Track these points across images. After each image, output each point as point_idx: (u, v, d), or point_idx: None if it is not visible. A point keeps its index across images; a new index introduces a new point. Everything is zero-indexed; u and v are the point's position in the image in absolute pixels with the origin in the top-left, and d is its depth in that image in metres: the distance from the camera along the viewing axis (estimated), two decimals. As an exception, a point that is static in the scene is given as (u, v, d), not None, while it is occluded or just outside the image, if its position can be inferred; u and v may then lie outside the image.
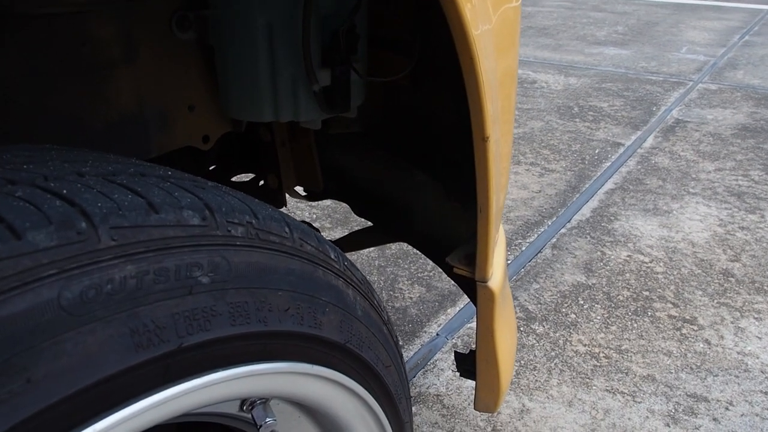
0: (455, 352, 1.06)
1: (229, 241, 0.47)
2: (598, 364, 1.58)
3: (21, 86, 0.80)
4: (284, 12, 0.91)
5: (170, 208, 0.44)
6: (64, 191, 0.41)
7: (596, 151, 2.87)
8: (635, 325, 1.73)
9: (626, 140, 2.99)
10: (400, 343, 1.65)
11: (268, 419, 0.54)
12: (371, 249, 2.07)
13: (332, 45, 0.96)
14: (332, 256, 0.60)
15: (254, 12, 0.91)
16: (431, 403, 1.45)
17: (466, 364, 1.04)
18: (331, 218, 2.28)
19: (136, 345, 0.39)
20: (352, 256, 2.03)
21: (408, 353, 1.61)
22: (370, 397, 0.62)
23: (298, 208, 2.34)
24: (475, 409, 1.01)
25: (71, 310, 0.37)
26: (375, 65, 1.08)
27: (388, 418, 0.66)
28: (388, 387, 0.65)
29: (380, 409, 0.64)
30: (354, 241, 1.51)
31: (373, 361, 0.62)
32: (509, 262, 2.02)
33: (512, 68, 0.91)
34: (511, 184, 2.55)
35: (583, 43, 4.91)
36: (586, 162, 2.76)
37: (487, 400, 0.98)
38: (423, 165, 1.29)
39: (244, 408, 0.55)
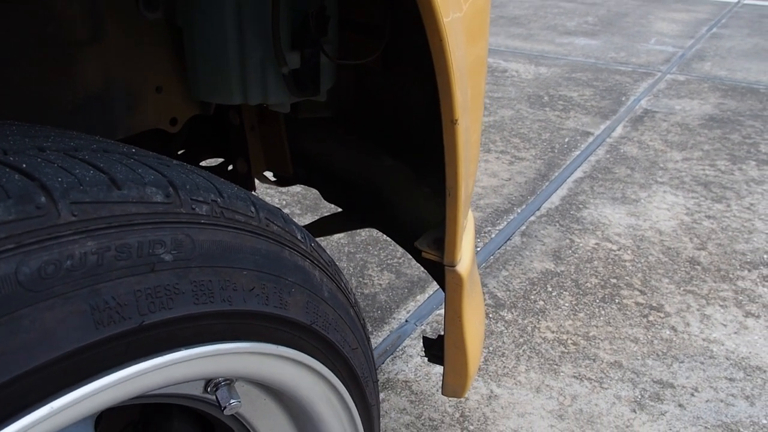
0: (424, 337, 1.07)
1: (193, 219, 0.46)
2: (566, 350, 1.61)
3: None
4: None
5: (133, 185, 0.43)
6: (24, 165, 0.40)
7: (566, 140, 2.90)
8: (603, 312, 1.76)
9: (595, 129, 3.04)
10: (369, 329, 1.66)
11: (232, 401, 0.53)
12: (341, 235, 2.07)
13: (302, 27, 0.95)
14: (299, 237, 0.59)
15: None
16: (399, 389, 1.45)
17: (434, 350, 1.05)
18: (301, 204, 2.27)
19: (96, 322, 0.38)
20: (321, 241, 2.03)
21: (377, 339, 1.62)
22: (337, 379, 0.62)
23: (267, 194, 2.32)
24: (442, 394, 1.02)
25: (29, 286, 0.36)
26: (346, 49, 1.07)
27: (354, 401, 0.66)
28: (355, 370, 0.65)
29: (347, 391, 0.64)
30: (323, 227, 1.51)
31: (340, 343, 0.62)
32: (479, 249, 2.04)
33: (482, 57, 0.92)
34: (481, 172, 2.57)
35: (554, 33, 4.95)
36: (556, 150, 2.79)
37: (454, 385, 0.99)
38: (393, 150, 1.29)
39: (209, 389, 0.54)
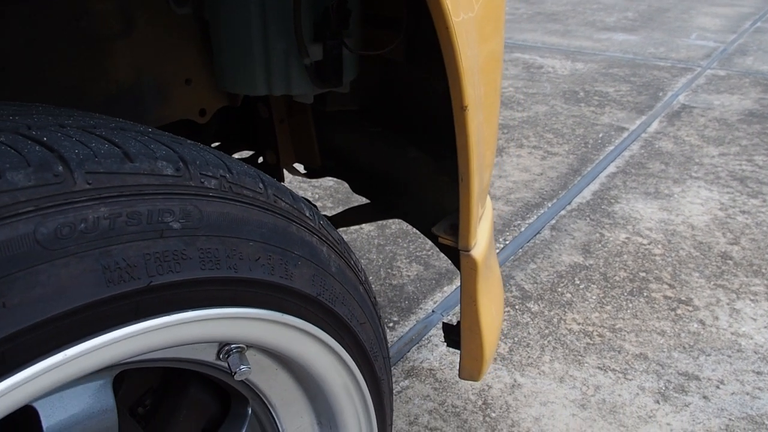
0: (443, 323, 1.09)
1: (201, 191, 0.50)
2: (591, 342, 1.60)
3: (21, 57, 0.82)
4: None
5: (145, 158, 0.47)
6: (45, 138, 0.44)
7: (600, 135, 2.87)
8: (630, 305, 1.74)
9: (630, 125, 2.99)
10: (396, 318, 1.68)
11: (242, 366, 0.57)
12: (371, 227, 2.10)
13: (324, 20, 0.98)
14: (307, 214, 0.62)
15: None
16: (424, 377, 1.48)
17: (453, 335, 1.07)
18: (333, 198, 2.31)
19: (107, 280, 0.42)
20: (352, 234, 2.06)
21: (403, 329, 1.64)
22: (344, 351, 0.65)
23: (300, 188, 2.37)
24: (459, 377, 1.04)
25: (46, 244, 0.40)
26: (370, 43, 1.10)
27: (362, 374, 0.69)
28: (363, 343, 0.68)
29: (354, 364, 0.67)
30: (351, 217, 1.54)
31: (347, 316, 0.65)
32: (507, 242, 2.04)
33: (496, 52, 0.93)
34: (512, 167, 2.56)
35: (592, 28, 4.87)
36: (589, 146, 2.76)
37: (471, 369, 1.00)
38: (416, 141, 1.31)
39: (221, 356, 0.58)
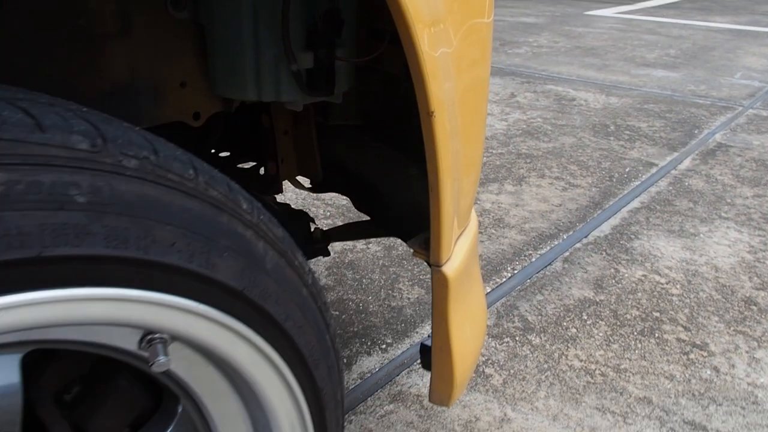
0: (421, 344, 1.05)
1: (117, 169, 0.49)
2: (592, 380, 1.53)
3: (19, 49, 0.84)
4: None
5: (59, 131, 0.47)
6: (-45, 104, 0.44)
7: (626, 170, 2.79)
8: (639, 345, 1.66)
9: (661, 161, 2.90)
10: (390, 341, 1.64)
11: (161, 357, 0.55)
12: (377, 248, 2.08)
13: (316, 28, 0.98)
14: (244, 207, 0.61)
15: None
16: (410, 403, 1.43)
17: (428, 357, 1.03)
18: (344, 216, 2.30)
19: (-7, 246, 0.41)
20: (358, 253, 2.04)
21: (395, 351, 1.60)
22: (275, 353, 0.62)
23: (313, 205, 2.37)
24: (429, 400, 0.99)
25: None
26: (378, 58, 1.10)
27: (298, 381, 0.66)
28: (300, 348, 0.65)
29: (288, 368, 0.64)
30: (348, 232, 1.52)
31: (281, 317, 0.62)
32: (516, 272, 1.98)
33: (479, 80, 0.91)
34: (531, 196, 2.51)
35: (631, 64, 4.80)
36: (614, 179, 2.69)
37: (441, 392, 0.96)
38: (418, 158, 1.30)
39: (142, 346, 0.56)
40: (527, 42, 5.57)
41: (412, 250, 0.94)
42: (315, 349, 0.68)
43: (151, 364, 0.55)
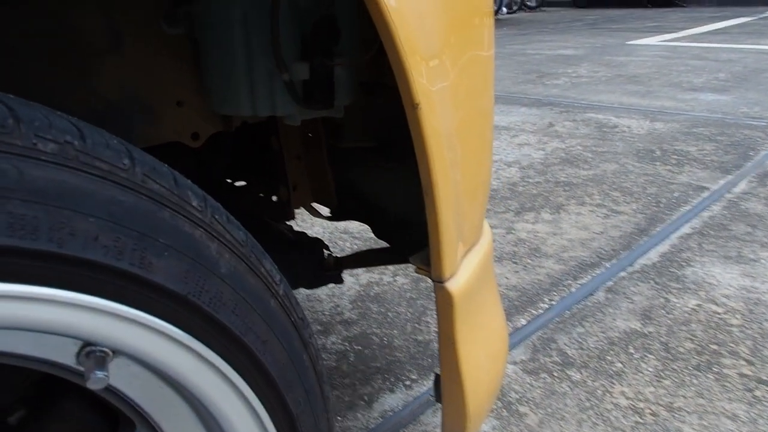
0: (435, 374, 0.93)
1: (30, 153, 0.42)
2: (641, 420, 1.36)
3: (4, 69, 0.81)
4: (260, 3, 0.88)
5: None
6: None
7: (675, 195, 2.61)
8: (695, 381, 1.48)
9: (713, 184, 2.71)
10: (415, 376, 1.52)
11: (97, 372, 0.47)
12: (404, 279, 1.97)
13: (311, 37, 0.93)
14: (194, 204, 0.53)
15: (230, 4, 0.90)
16: (435, 444, 1.30)
17: (440, 387, 0.91)
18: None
19: None
20: (384, 286, 1.94)
21: (420, 388, 1.47)
22: (232, 370, 0.53)
23: (341, 239, 2.29)
24: (442, 437, 0.87)
25: None
26: (381, 71, 1.04)
27: (264, 405, 0.56)
28: (264, 366, 0.56)
29: (251, 390, 0.55)
30: (362, 259, 1.43)
31: (239, 329, 0.53)
32: (554, 302, 1.83)
33: (480, 110, 0.86)
34: (570, 225, 2.36)
35: (677, 89, 4.61)
36: (662, 205, 2.52)
37: (452, 426, 0.84)
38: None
39: (79, 359, 0.49)
40: (566, 73, 5.47)
41: (414, 268, 0.84)
42: (287, 368, 0.58)
43: (87, 380, 0.47)
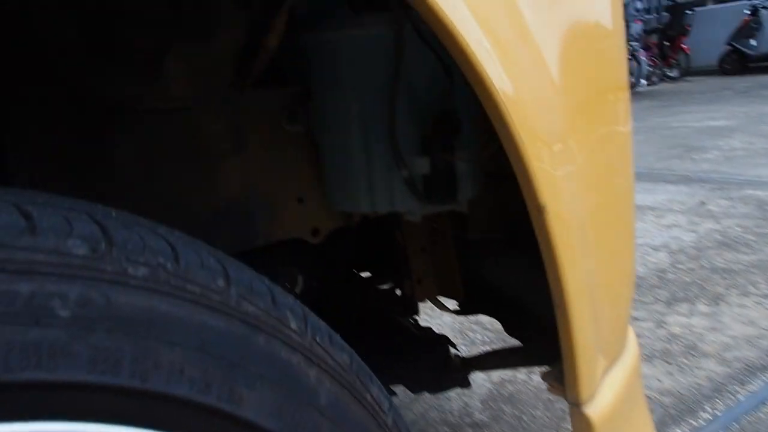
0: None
1: (119, 278, 0.42)
2: None
3: (130, 173, 0.87)
4: (378, 97, 0.89)
5: (53, 234, 0.41)
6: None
7: None
8: None
9: None
10: (552, 495, 1.35)
11: None
12: (541, 379, 1.81)
13: (431, 130, 0.91)
14: (293, 326, 0.50)
15: (347, 98, 0.91)
16: None
17: None
18: (504, 343, 2.07)
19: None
20: (518, 385, 1.80)
21: None
22: None
23: (470, 329, 2.19)
24: None
25: None
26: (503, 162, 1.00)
27: None
28: None
29: None
30: (492, 361, 1.33)
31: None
32: (718, 413, 1.58)
33: (616, 193, 0.78)
34: (732, 319, 2.08)
35: None
36: None
37: None
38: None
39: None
40: (717, 146, 5.05)
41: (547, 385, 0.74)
42: None
43: None
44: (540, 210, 0.60)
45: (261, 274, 0.52)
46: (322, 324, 0.54)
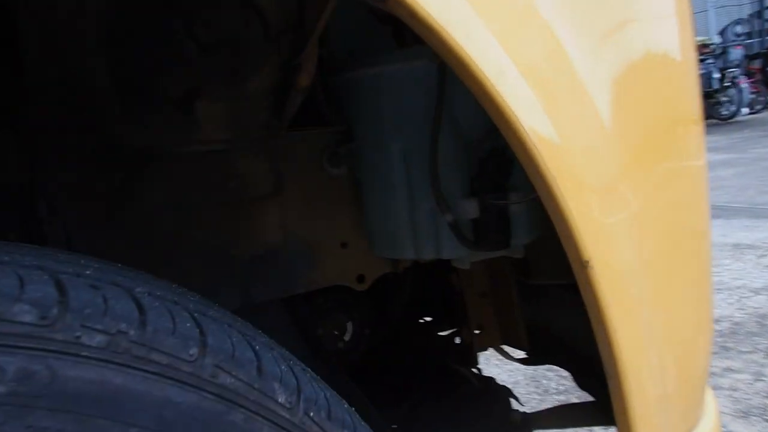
0: None
1: (70, 348, 0.37)
2: None
3: (165, 219, 0.85)
4: (421, 137, 0.83)
5: (5, 300, 0.37)
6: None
7: None
8: None
9: None
10: None
11: None
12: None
13: (479, 170, 0.84)
14: (281, 400, 0.43)
15: (388, 139, 0.86)
16: None
17: None
18: (581, 393, 1.91)
19: None
20: None
21: None
22: None
23: (545, 377, 2.04)
24: None
25: None
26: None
27: None
28: None
29: None
30: (558, 418, 1.21)
31: None
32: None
33: (683, 236, 0.68)
34: None
35: None
36: None
37: None
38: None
39: None
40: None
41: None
42: None
43: None
44: (583, 265, 0.52)
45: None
46: (323, 396, 0.48)
